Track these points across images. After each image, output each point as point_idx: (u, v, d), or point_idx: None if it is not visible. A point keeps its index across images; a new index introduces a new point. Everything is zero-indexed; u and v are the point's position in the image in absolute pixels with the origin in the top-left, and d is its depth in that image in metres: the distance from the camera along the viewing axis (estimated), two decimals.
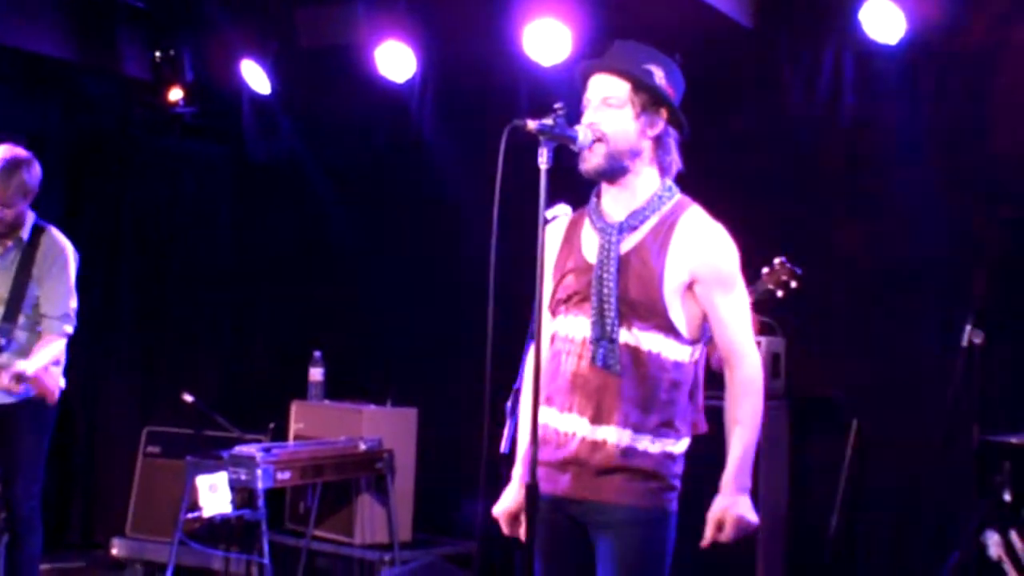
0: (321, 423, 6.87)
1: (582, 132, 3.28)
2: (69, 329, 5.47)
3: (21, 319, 5.39)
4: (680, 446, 3.36)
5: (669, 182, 3.44)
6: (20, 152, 5.41)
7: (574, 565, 3.37)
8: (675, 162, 3.45)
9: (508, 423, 3.99)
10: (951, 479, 5.42)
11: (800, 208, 6.09)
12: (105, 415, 8.10)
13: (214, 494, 5.76)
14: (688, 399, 3.38)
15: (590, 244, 3.40)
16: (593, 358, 3.30)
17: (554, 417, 3.37)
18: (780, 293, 4.85)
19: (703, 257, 3.32)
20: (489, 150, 3.13)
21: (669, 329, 3.30)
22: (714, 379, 3.49)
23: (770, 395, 5.40)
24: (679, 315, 3.30)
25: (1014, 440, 4.86)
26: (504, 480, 3.56)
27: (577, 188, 3.50)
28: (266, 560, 5.81)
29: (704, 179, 3.62)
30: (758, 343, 3.72)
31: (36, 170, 5.41)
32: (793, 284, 4.84)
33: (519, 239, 3.31)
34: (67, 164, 8.02)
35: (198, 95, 7.59)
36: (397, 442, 6.68)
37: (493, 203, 3.09)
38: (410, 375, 7.29)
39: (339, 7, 6.93)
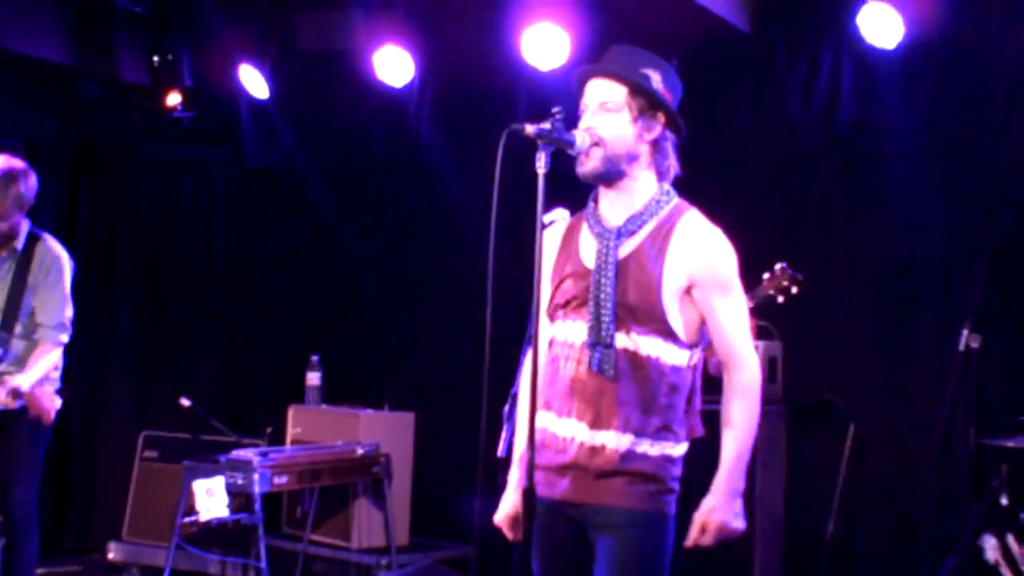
0: (318, 427, 6.88)
1: (580, 136, 3.28)
2: (65, 338, 5.47)
3: (17, 328, 5.40)
4: (679, 449, 3.36)
5: (667, 186, 3.44)
6: (16, 163, 5.40)
7: (573, 567, 3.37)
8: (673, 166, 3.45)
9: (505, 427, 3.99)
10: (948, 483, 5.44)
11: (797, 212, 6.11)
12: (102, 419, 8.09)
13: (211, 498, 5.76)
14: (686, 403, 3.38)
15: (588, 249, 3.40)
16: (589, 363, 3.31)
17: (552, 422, 3.37)
18: (781, 299, 4.86)
19: (701, 261, 3.31)
20: (487, 154, 3.12)
21: (668, 333, 3.30)
22: (711, 383, 3.49)
23: (768, 399, 5.42)
24: (677, 319, 3.30)
25: (1011, 444, 4.86)
26: (501, 484, 3.56)
27: (575, 193, 3.50)
28: (263, 564, 5.81)
29: (702, 183, 3.62)
30: (756, 347, 3.72)
31: (32, 181, 5.41)
32: (794, 290, 4.85)
33: (517, 243, 3.31)
34: (65, 169, 8.03)
35: (196, 100, 7.58)
36: (394, 446, 6.69)
37: (491, 207, 3.09)
38: (407, 379, 7.29)
39: (337, 12, 6.93)
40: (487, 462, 3.35)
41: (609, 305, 3.27)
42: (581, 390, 3.32)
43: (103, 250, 8.16)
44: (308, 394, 7.08)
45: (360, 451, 6.43)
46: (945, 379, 5.35)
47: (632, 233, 3.35)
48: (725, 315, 3.34)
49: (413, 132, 7.21)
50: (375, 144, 7.50)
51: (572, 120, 3.32)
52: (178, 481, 6.06)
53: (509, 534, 3.49)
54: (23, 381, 5.19)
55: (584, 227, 3.45)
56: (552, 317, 3.44)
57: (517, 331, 3.76)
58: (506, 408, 3.99)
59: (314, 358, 7.12)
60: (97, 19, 7.24)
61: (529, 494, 3.09)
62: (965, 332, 5.23)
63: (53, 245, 5.53)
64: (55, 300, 5.45)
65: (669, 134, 3.43)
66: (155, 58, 7.43)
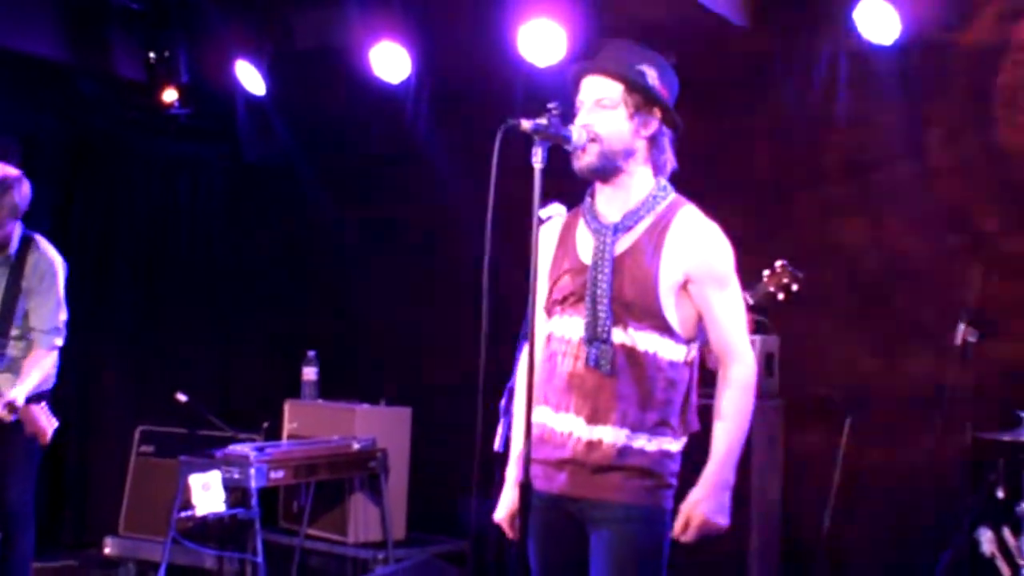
0: (315, 422, 6.88)
1: (576, 131, 3.29)
2: (59, 342, 5.47)
3: (13, 331, 5.39)
4: (677, 445, 3.37)
5: (664, 181, 3.44)
6: (10, 171, 5.38)
7: (570, 561, 3.37)
8: (669, 161, 3.46)
9: (502, 422, 4.01)
10: (945, 476, 5.44)
11: (793, 207, 6.11)
12: (99, 414, 8.09)
13: (207, 493, 5.75)
14: (684, 399, 3.38)
15: (585, 245, 3.41)
16: (586, 359, 3.31)
17: (550, 417, 3.37)
18: (781, 296, 4.86)
19: (697, 256, 3.32)
20: (484, 150, 3.13)
21: (665, 329, 3.30)
22: (705, 378, 3.49)
23: (765, 394, 5.44)
24: (674, 315, 3.31)
25: (1007, 437, 4.87)
26: (497, 479, 3.57)
27: (571, 189, 3.50)
28: (259, 559, 5.81)
29: (698, 178, 3.63)
30: (752, 342, 3.72)
31: (25, 189, 5.39)
32: (795, 287, 4.85)
33: (513, 238, 3.32)
34: (61, 166, 8.01)
35: (193, 96, 7.58)
36: (391, 441, 6.70)
37: (488, 202, 3.09)
38: (404, 374, 7.30)
39: (334, 8, 6.93)
40: (483, 457, 3.36)
41: (606, 301, 3.28)
42: (579, 385, 3.33)
43: (100, 246, 8.15)
44: (304, 389, 7.08)
45: (356, 446, 6.44)
46: (942, 373, 5.36)
47: (629, 229, 3.35)
48: (721, 310, 3.35)
49: (410, 128, 7.21)
50: (372, 140, 7.51)
51: (569, 116, 3.32)
52: (174, 476, 6.06)
53: (509, 532, 3.49)
54: (19, 394, 5.16)
55: (581, 223, 3.46)
56: (549, 313, 3.45)
57: (513, 326, 3.76)
58: (502, 403, 4.01)
59: (310, 353, 7.12)
60: (93, 15, 7.23)
61: (525, 488, 3.10)
62: (961, 326, 5.24)
63: (46, 248, 5.50)
64: (49, 305, 5.44)
65: (666, 130, 3.43)
66: (151, 54, 7.42)
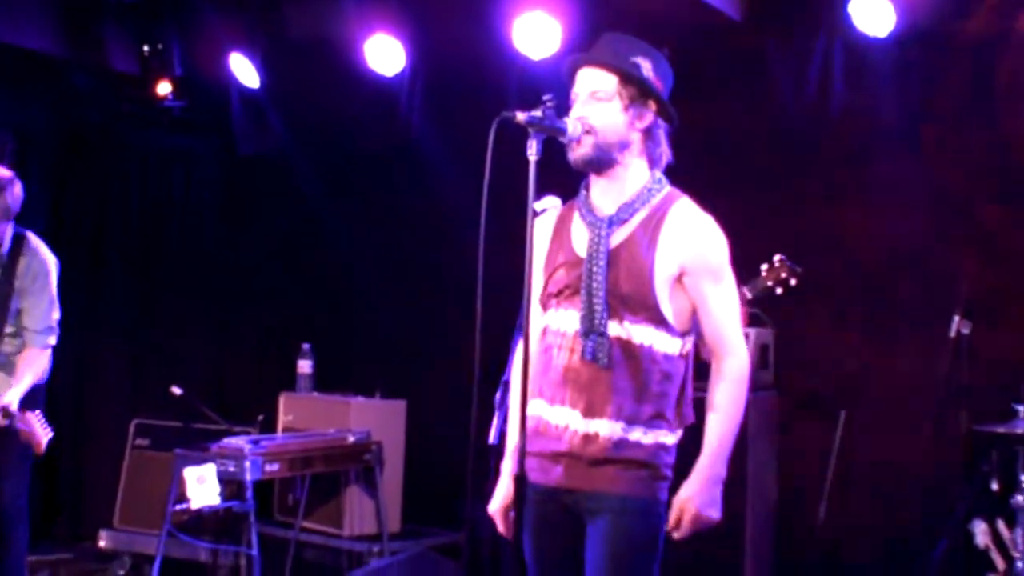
0: (310, 415, 6.87)
1: (571, 124, 3.29)
2: (52, 341, 5.46)
3: (7, 328, 5.38)
4: (673, 437, 3.37)
5: (659, 174, 3.44)
6: (2, 173, 5.35)
7: (566, 553, 3.37)
8: (665, 154, 3.46)
9: (496, 415, 4.01)
10: (939, 468, 5.45)
11: (788, 199, 6.11)
12: (94, 408, 8.09)
13: (202, 486, 5.75)
14: (679, 391, 3.38)
15: (580, 238, 3.40)
16: (582, 352, 3.31)
17: (546, 410, 3.37)
18: (779, 291, 4.85)
19: (692, 249, 3.32)
20: (478, 143, 3.13)
21: (660, 322, 3.30)
22: (700, 371, 3.49)
23: (759, 386, 5.44)
24: (669, 307, 3.31)
25: (1001, 429, 4.87)
26: (493, 472, 3.57)
27: (567, 181, 3.50)
28: (255, 552, 5.81)
29: (694, 171, 3.62)
30: (747, 335, 3.72)
31: (17, 191, 5.36)
32: (793, 281, 4.84)
33: (508, 231, 3.31)
34: (55, 159, 8.01)
35: (186, 89, 7.57)
36: (386, 434, 6.69)
37: (482, 195, 3.09)
38: (399, 367, 7.30)
39: (328, 1, 6.91)
40: (478, 449, 3.35)
41: (601, 294, 3.28)
42: (574, 379, 3.33)
43: (93, 238, 8.15)
44: (299, 382, 7.08)
45: (352, 439, 6.43)
46: (936, 365, 5.36)
47: (624, 221, 3.35)
48: (715, 303, 3.35)
49: (404, 120, 7.21)
50: (366, 133, 7.49)
51: (564, 108, 3.32)
52: (169, 469, 6.05)
53: (502, 526, 3.49)
54: (13, 398, 5.15)
55: (576, 216, 3.46)
56: (545, 306, 3.45)
57: (508, 319, 3.76)
58: (497, 396, 4.01)
59: (305, 346, 7.12)
60: (87, 8, 7.21)
61: (520, 480, 3.10)
62: (956, 318, 5.24)
63: (38, 247, 5.48)
64: (42, 305, 5.43)
65: (661, 122, 3.43)
66: (145, 47, 7.40)
